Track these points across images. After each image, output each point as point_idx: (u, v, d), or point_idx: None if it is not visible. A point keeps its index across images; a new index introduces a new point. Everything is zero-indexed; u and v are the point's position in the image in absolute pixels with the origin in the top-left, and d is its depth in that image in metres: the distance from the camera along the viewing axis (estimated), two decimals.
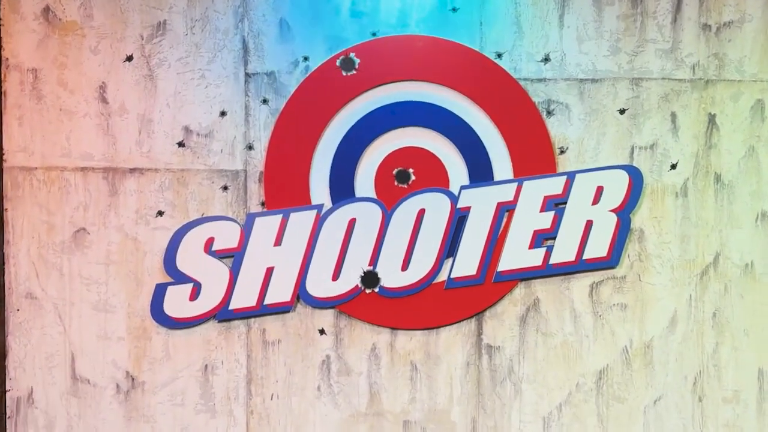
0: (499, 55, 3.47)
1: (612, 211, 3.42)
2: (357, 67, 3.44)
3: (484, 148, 3.45)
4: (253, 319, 3.47)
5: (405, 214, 3.43)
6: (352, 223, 3.43)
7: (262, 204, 3.45)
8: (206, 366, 3.50)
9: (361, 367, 3.51)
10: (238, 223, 3.43)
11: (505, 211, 3.43)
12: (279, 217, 3.42)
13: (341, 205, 3.43)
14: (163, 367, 3.50)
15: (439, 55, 3.44)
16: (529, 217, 3.42)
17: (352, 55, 3.44)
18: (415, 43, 3.44)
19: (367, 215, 3.43)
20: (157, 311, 3.44)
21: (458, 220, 3.42)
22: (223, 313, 3.44)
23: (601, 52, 3.48)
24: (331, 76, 3.44)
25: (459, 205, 3.42)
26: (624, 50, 3.48)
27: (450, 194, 3.43)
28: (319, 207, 3.43)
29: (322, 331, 3.48)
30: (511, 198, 3.42)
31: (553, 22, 3.48)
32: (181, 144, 3.48)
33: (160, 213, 3.47)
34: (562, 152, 3.46)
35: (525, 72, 3.47)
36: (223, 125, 3.47)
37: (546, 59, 3.48)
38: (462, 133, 3.44)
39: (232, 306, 3.43)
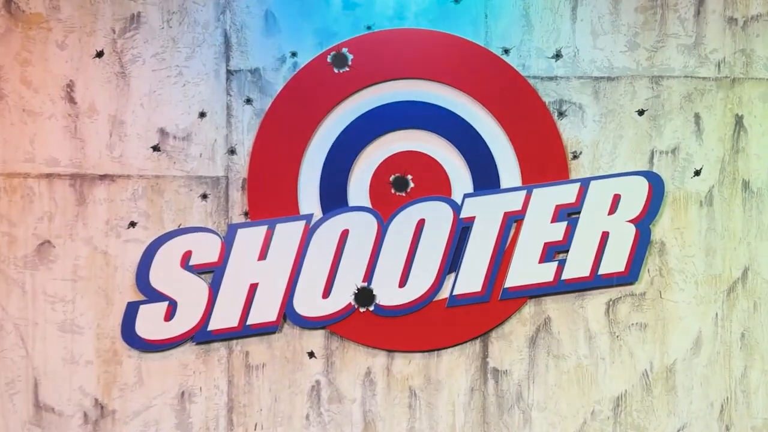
0: (506, 51, 3.45)
1: (630, 221, 3.38)
2: (350, 63, 3.41)
3: (489, 152, 3.42)
4: (234, 341, 3.41)
5: (403, 224, 3.38)
6: (344, 234, 3.37)
7: (246, 214, 3.40)
8: (183, 393, 3.43)
9: (354, 394, 3.45)
10: (219, 235, 3.38)
11: (512, 221, 3.38)
12: (264, 229, 3.36)
13: (333, 215, 3.38)
14: (135, 394, 3.42)
15: (440, 50, 3.42)
16: (539, 229, 3.38)
17: (344, 50, 3.41)
18: (413, 37, 3.42)
19: (362, 226, 3.38)
20: (129, 332, 3.37)
21: (461, 232, 3.38)
22: (201, 335, 3.37)
23: (617, 48, 3.47)
24: (321, 73, 3.41)
25: (462, 215, 3.38)
26: (643, 46, 3.47)
27: (452, 203, 3.39)
28: (309, 217, 3.38)
29: (311, 354, 3.43)
30: (519, 207, 3.38)
31: (566, 14, 3.46)
32: (156, 148, 3.43)
33: (133, 224, 3.41)
34: (575, 157, 3.44)
35: (534, 69, 3.46)
36: (202, 127, 3.44)
37: (557, 55, 3.46)
38: (465, 136, 3.42)
39: (212, 327, 3.36)
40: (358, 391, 3.45)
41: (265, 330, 3.38)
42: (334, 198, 3.40)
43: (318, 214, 3.39)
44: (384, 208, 3.39)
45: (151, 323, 3.37)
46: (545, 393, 3.46)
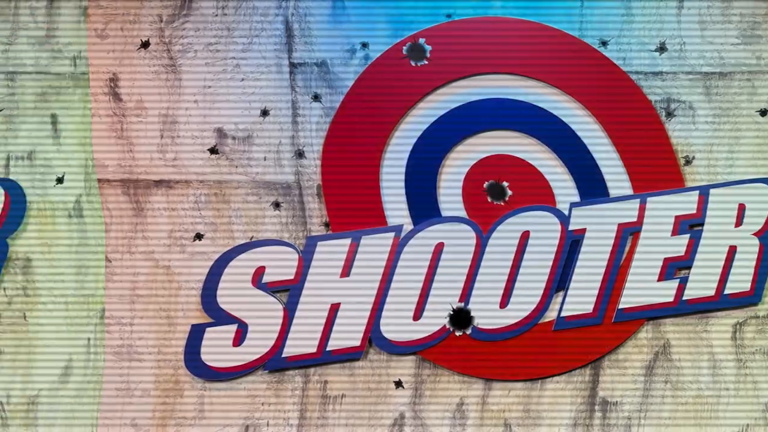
0: (604, 43, 3.46)
1: (755, 234, 3.38)
2: (428, 56, 3.42)
3: (591, 156, 3.42)
4: (312, 369, 3.41)
5: (505, 237, 3.38)
6: (439, 248, 3.37)
7: (326, 225, 3.42)
8: (247, 427, 3.43)
9: (441, 428, 3.43)
10: (296, 249, 3.39)
11: (628, 234, 3.38)
12: (347, 242, 3.37)
13: (425, 226, 3.38)
14: (192, 429, 3.43)
15: (530, 42, 3.43)
16: (659, 242, 3.37)
17: (421, 41, 3.42)
18: (499, 27, 3.43)
19: (458, 239, 3.38)
20: (193, 359, 3.37)
21: (570, 246, 3.37)
22: (274, 362, 3.37)
23: (729, 40, 3.47)
24: (396, 66, 3.42)
25: (571, 228, 3.38)
26: (764, 37, 3.47)
27: (559, 213, 3.39)
28: (398, 229, 3.38)
29: (398, 384, 3.42)
30: (634, 218, 3.38)
31: (670, 2, 3.46)
32: (213, 150, 3.44)
33: (199, 236, 3.41)
34: (687, 162, 3.43)
35: (636, 64, 3.46)
36: (265, 127, 3.46)
37: (661, 48, 3.46)
38: (563, 139, 3.43)
39: (287, 353, 3.37)
40: (446, 424, 3.43)
41: (348, 357, 3.38)
42: (424, 206, 3.39)
43: (408, 225, 3.39)
44: (482, 219, 3.39)
45: (217, 348, 3.36)
46: (657, 428, 3.43)
